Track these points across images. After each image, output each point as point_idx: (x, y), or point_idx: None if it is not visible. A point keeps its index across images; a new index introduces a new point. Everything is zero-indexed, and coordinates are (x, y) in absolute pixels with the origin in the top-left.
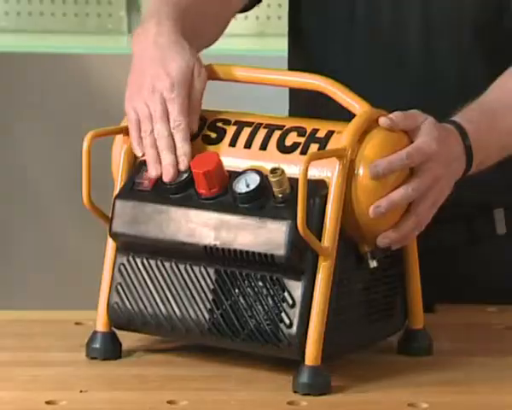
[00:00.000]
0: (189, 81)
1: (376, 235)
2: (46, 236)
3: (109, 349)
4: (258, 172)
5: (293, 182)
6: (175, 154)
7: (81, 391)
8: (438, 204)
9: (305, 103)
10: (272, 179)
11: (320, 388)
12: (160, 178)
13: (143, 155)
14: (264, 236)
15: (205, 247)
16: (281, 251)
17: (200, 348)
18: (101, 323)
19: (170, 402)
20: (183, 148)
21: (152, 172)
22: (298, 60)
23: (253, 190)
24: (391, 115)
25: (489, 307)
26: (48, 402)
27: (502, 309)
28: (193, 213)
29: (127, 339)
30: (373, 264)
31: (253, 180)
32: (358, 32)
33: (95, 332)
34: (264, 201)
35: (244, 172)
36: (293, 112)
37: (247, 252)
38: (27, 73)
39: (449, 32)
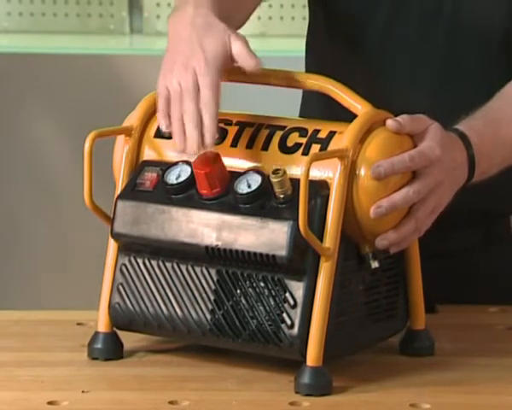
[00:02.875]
0: (225, 60)
1: (377, 236)
2: (47, 235)
3: (111, 350)
4: (260, 172)
5: (295, 182)
6: (200, 130)
7: (83, 392)
8: (438, 210)
9: (317, 104)
10: (274, 180)
11: (321, 388)
12: (160, 179)
13: (168, 130)
14: (265, 236)
15: (206, 247)
16: (282, 252)
17: (201, 348)
18: (102, 323)
19: (171, 403)
20: (207, 123)
21: (180, 145)
22: (315, 62)
23: (255, 190)
24: (398, 118)
25: (490, 307)
26: (49, 403)
27: (503, 309)
28: (194, 214)
29: (128, 339)
30: (374, 265)
31: (255, 181)
32: (380, 34)
33: (96, 333)
34: (266, 201)
35: (246, 172)
36: (304, 113)
37: (248, 253)
38: (29, 74)
39: (476, 40)
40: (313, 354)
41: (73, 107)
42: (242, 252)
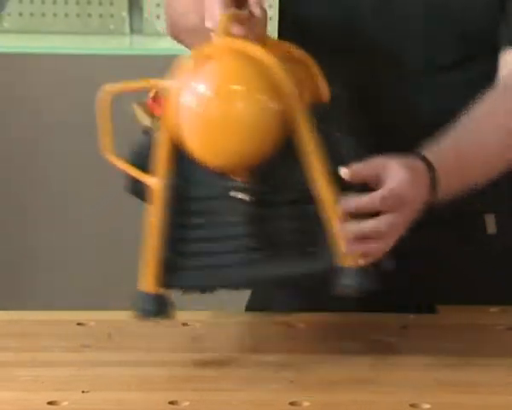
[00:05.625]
0: None
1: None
2: (47, 236)
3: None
4: None
5: None
6: None
7: (83, 392)
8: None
9: None
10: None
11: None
12: None
13: None
14: None
15: None
16: None
17: (201, 348)
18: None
19: (171, 403)
20: None
21: None
22: None
23: None
24: (351, 167)
25: (490, 307)
26: (49, 403)
27: (503, 309)
28: None
29: (129, 340)
30: (241, 196)
31: None
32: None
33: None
34: None
35: None
36: None
37: None
38: (29, 74)
39: (451, 43)
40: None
41: (73, 107)
42: None
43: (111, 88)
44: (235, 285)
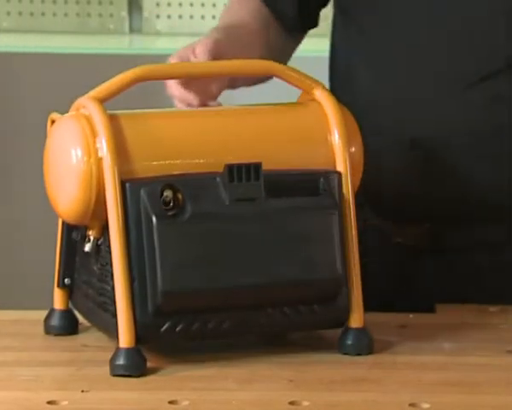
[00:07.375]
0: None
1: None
2: (46, 236)
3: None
4: None
5: None
6: None
7: (82, 391)
8: None
9: None
10: None
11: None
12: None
13: None
14: None
15: None
16: None
17: (201, 348)
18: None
19: (171, 402)
20: None
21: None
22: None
23: None
24: None
25: (491, 306)
26: (49, 402)
27: (503, 309)
28: None
29: None
30: (86, 247)
31: None
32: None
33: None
34: None
35: None
36: None
37: None
38: (28, 74)
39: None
40: None
41: None
42: None
43: None
44: None
